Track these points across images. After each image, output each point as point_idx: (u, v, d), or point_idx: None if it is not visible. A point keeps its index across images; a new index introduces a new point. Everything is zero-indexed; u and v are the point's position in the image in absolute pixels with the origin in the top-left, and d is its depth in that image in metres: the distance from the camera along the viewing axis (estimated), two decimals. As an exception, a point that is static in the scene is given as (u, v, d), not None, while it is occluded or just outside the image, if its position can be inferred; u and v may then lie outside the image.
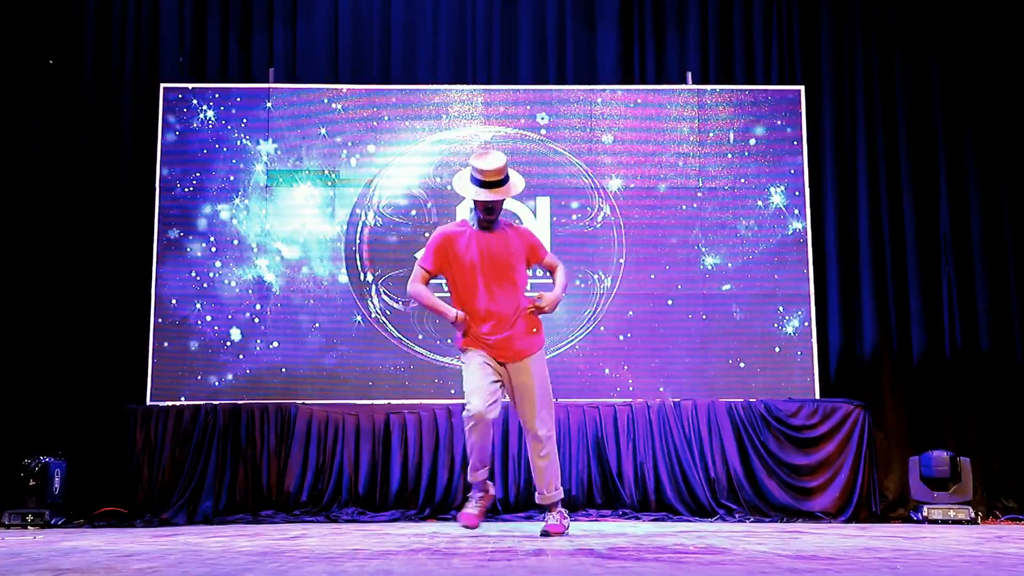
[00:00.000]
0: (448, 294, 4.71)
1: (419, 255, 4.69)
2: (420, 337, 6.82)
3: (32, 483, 6.07)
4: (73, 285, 6.88)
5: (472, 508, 4.59)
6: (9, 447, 6.35)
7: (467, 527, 4.56)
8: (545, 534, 4.48)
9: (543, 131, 7.11)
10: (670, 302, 6.94)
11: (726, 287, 6.96)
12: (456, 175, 4.71)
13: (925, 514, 6.31)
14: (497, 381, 4.52)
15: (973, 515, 6.30)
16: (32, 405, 6.56)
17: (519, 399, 4.57)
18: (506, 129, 7.10)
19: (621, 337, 6.90)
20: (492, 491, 4.73)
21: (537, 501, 4.67)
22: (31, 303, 6.79)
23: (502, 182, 4.50)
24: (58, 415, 6.57)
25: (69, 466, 6.19)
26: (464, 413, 4.46)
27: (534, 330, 4.60)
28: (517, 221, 6.71)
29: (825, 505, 6.42)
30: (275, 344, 6.81)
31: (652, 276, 6.97)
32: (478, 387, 4.43)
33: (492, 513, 6.29)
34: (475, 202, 4.52)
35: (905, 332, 7.18)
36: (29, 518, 5.98)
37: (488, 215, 4.51)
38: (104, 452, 6.44)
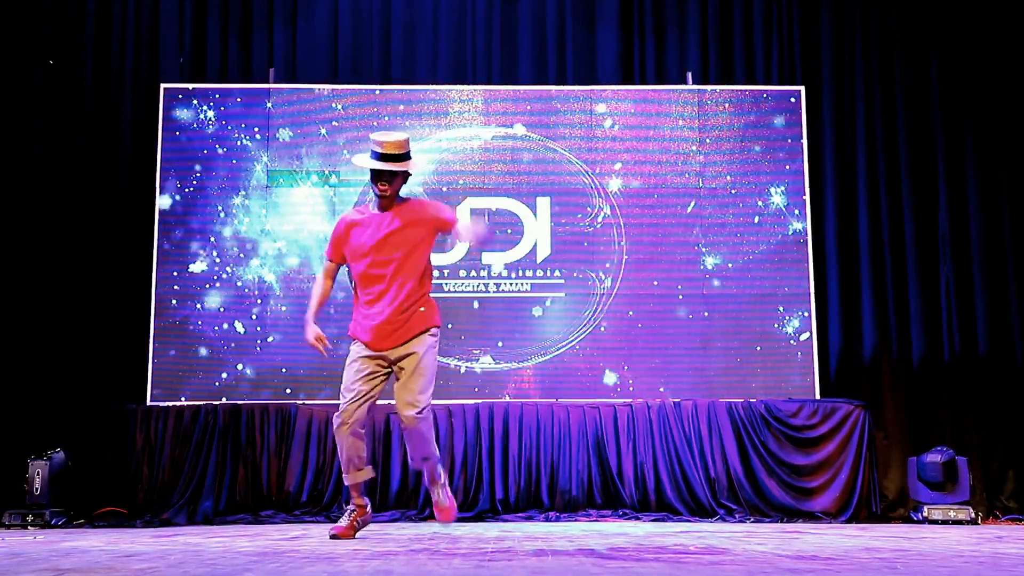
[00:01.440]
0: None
1: None
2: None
3: (23, 483, 6.07)
4: (73, 285, 6.88)
5: (343, 520, 4.30)
6: (9, 447, 6.34)
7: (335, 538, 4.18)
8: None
9: (543, 131, 7.11)
10: (670, 303, 6.93)
11: (726, 287, 6.96)
12: (355, 155, 4.55)
13: (925, 514, 6.31)
14: (372, 378, 4.29)
15: (973, 515, 6.30)
16: (33, 405, 6.56)
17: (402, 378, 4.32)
18: (506, 129, 7.10)
19: (627, 343, 6.90)
20: (368, 508, 4.36)
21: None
22: (32, 303, 6.79)
23: (400, 157, 4.23)
24: (59, 415, 6.56)
25: (51, 466, 6.14)
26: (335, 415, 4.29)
27: (422, 309, 4.33)
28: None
29: (825, 505, 6.42)
30: (275, 344, 6.81)
31: (652, 276, 6.97)
32: (347, 386, 4.28)
33: (492, 513, 6.30)
34: (372, 178, 4.26)
35: (905, 332, 7.18)
36: (29, 518, 5.97)
37: (382, 189, 4.21)
38: (104, 452, 6.44)
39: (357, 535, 4.28)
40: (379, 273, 4.24)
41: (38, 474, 6.10)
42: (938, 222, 7.28)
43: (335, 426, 4.23)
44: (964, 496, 6.35)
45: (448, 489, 4.45)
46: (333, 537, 4.16)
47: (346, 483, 4.30)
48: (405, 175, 4.31)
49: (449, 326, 6.80)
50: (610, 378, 6.84)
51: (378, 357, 4.28)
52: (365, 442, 4.31)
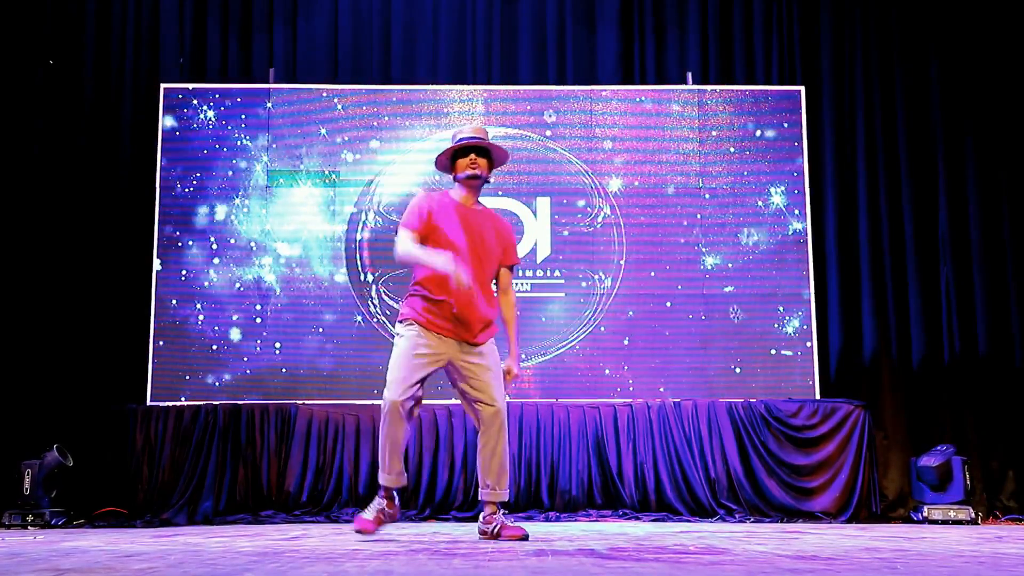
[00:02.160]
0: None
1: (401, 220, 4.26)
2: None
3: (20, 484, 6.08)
4: (73, 285, 6.88)
5: (368, 513, 4.16)
6: (9, 448, 6.34)
7: (360, 532, 4.07)
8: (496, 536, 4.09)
9: (543, 131, 7.11)
10: (670, 303, 6.94)
11: (726, 287, 6.96)
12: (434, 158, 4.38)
13: (925, 514, 6.31)
14: (424, 375, 4.11)
15: (973, 515, 6.30)
16: (33, 405, 6.56)
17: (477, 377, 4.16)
18: (506, 129, 7.10)
19: (626, 341, 6.90)
20: (397, 503, 4.22)
21: (492, 498, 4.17)
22: (32, 303, 6.80)
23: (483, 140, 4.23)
24: (59, 415, 6.56)
25: (42, 466, 6.12)
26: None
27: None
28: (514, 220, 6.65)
29: (825, 505, 6.42)
30: (275, 344, 6.82)
31: (652, 276, 6.98)
32: (401, 377, 4.08)
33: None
34: (457, 163, 4.18)
35: (905, 332, 7.19)
36: (30, 518, 5.98)
37: (474, 170, 4.15)
38: (104, 452, 6.44)
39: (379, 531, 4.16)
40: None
41: (27, 474, 6.09)
42: (938, 222, 7.29)
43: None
44: (959, 496, 6.34)
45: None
46: (359, 532, 4.06)
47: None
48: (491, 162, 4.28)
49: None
50: (610, 378, 6.83)
51: None
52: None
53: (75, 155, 7.05)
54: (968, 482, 6.41)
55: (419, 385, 4.13)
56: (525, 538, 4.03)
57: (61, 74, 7.15)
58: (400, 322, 4.22)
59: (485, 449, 4.16)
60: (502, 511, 4.20)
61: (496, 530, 4.10)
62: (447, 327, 4.13)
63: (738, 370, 6.85)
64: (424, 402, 6.48)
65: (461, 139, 4.23)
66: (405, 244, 4.11)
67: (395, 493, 4.18)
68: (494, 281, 4.36)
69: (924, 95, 7.41)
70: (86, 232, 6.96)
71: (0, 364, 6.61)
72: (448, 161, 4.29)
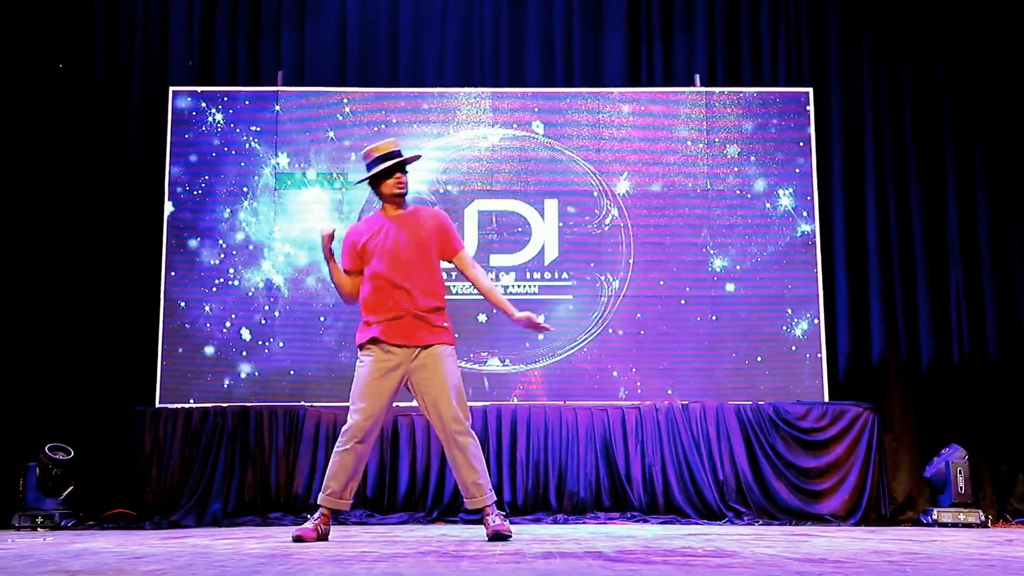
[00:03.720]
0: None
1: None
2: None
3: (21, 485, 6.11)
4: (83, 288, 6.90)
5: (309, 524, 4.23)
6: (19, 450, 6.36)
7: (299, 539, 4.10)
8: (499, 536, 4.17)
9: (551, 133, 7.11)
10: (679, 304, 6.93)
11: (734, 289, 6.95)
12: (353, 183, 4.59)
13: (935, 517, 6.29)
14: (389, 393, 4.24)
15: (983, 518, 6.28)
16: (43, 408, 6.58)
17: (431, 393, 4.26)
18: (513, 132, 7.10)
19: (634, 343, 6.89)
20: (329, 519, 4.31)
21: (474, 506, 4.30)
22: (41, 306, 6.82)
23: (399, 153, 4.37)
24: (68, 417, 6.58)
25: (41, 468, 6.13)
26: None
27: (444, 324, 4.34)
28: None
29: (834, 508, 6.41)
30: (283, 346, 6.83)
31: (660, 278, 6.97)
32: (362, 394, 4.22)
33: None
34: (382, 184, 4.34)
35: (913, 335, 7.17)
36: (39, 520, 5.99)
37: (401, 188, 4.33)
38: (114, 454, 6.46)
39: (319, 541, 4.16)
40: (401, 274, 4.37)
41: (22, 476, 6.12)
42: (947, 224, 7.27)
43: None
44: (965, 500, 6.33)
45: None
46: (297, 539, 4.09)
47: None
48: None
49: (457, 335, 6.81)
50: (618, 380, 6.83)
51: None
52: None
53: (84, 158, 7.08)
54: (961, 485, 6.37)
55: (383, 408, 4.25)
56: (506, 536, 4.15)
57: (70, 78, 7.18)
58: (358, 348, 4.36)
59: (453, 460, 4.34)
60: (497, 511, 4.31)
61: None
62: (394, 333, 4.24)
63: (746, 372, 6.83)
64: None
65: (384, 161, 4.32)
66: (338, 284, 4.46)
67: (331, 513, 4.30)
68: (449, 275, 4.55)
69: (932, 96, 7.39)
70: (95, 235, 6.98)
71: (10, 367, 6.64)
72: (372, 181, 4.39)
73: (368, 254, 4.33)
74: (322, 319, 6.87)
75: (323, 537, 4.20)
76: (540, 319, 4.44)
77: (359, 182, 4.60)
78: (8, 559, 3.34)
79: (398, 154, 4.35)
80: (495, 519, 4.23)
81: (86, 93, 7.19)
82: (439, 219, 4.46)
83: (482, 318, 6.85)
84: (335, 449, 4.24)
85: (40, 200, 6.97)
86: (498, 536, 4.16)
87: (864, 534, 5.18)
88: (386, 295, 4.26)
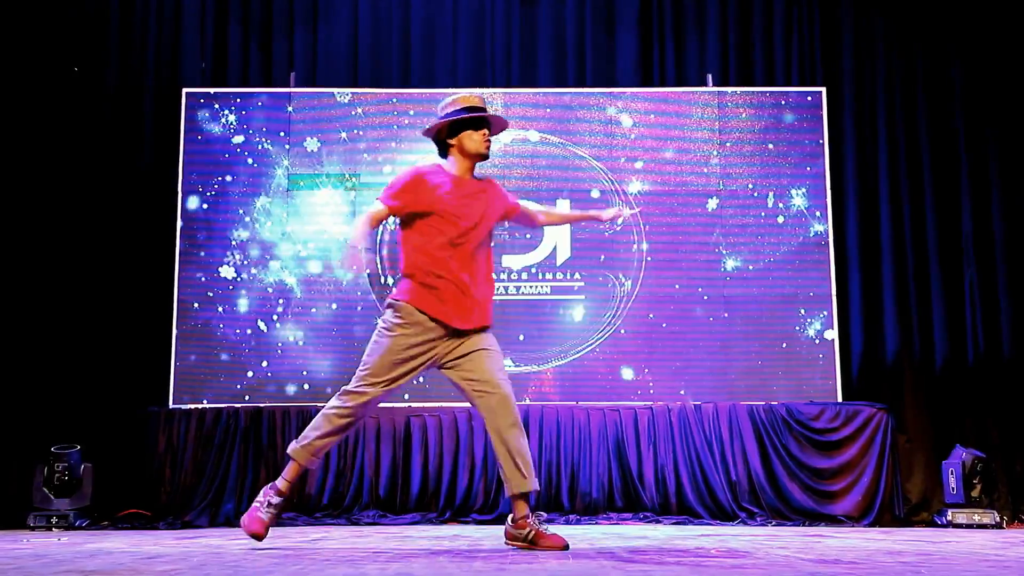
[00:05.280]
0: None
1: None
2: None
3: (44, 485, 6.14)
4: (96, 289, 6.93)
5: (263, 513, 3.80)
6: (34, 450, 6.39)
7: (254, 536, 3.77)
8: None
9: (562, 134, 7.11)
10: (690, 305, 6.91)
11: (747, 290, 6.93)
12: (426, 128, 3.95)
13: (949, 518, 6.26)
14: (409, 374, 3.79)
15: (998, 519, 6.24)
16: (57, 409, 6.61)
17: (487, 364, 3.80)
18: (525, 132, 7.10)
19: (646, 343, 6.88)
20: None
21: (520, 491, 3.77)
22: (55, 307, 6.85)
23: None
24: (83, 418, 6.61)
25: (48, 470, 6.14)
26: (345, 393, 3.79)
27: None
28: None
29: (847, 509, 6.39)
30: (296, 346, 6.84)
31: (672, 279, 6.96)
32: (380, 369, 3.74)
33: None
34: (465, 135, 3.83)
35: (927, 335, 7.13)
36: (54, 520, 6.02)
37: (487, 148, 3.87)
38: (128, 454, 6.49)
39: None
40: (469, 250, 3.86)
41: (33, 476, 6.16)
42: (961, 223, 7.23)
43: None
44: (959, 499, 6.31)
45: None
46: (254, 536, 3.76)
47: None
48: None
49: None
50: (631, 381, 6.82)
51: None
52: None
53: (99, 160, 7.11)
54: (952, 486, 6.35)
55: (398, 383, 3.80)
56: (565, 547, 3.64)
57: (85, 80, 7.21)
58: (389, 307, 3.83)
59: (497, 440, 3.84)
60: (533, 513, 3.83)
61: (531, 536, 3.70)
62: (442, 310, 3.75)
63: (759, 373, 6.82)
64: (444, 405, 6.60)
65: (474, 109, 3.85)
66: (362, 217, 3.79)
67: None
68: (517, 223, 4.21)
69: (946, 95, 7.35)
70: (108, 236, 7.01)
71: (25, 368, 6.67)
72: (448, 129, 3.88)
73: (441, 206, 3.76)
74: (334, 320, 6.88)
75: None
76: (624, 210, 4.35)
77: (440, 121, 3.85)
78: (24, 559, 3.36)
79: (495, 115, 3.92)
80: None
81: (100, 95, 7.22)
82: (498, 185, 4.08)
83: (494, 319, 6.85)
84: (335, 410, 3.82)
85: (54, 202, 7.00)
86: None
87: (878, 535, 5.16)
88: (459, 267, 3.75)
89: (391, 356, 3.75)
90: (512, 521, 3.80)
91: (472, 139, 3.85)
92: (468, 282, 3.78)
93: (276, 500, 3.81)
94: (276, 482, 3.86)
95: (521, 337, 6.84)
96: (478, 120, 3.85)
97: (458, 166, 3.90)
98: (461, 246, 3.78)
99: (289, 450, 3.86)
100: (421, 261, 3.77)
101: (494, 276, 4.06)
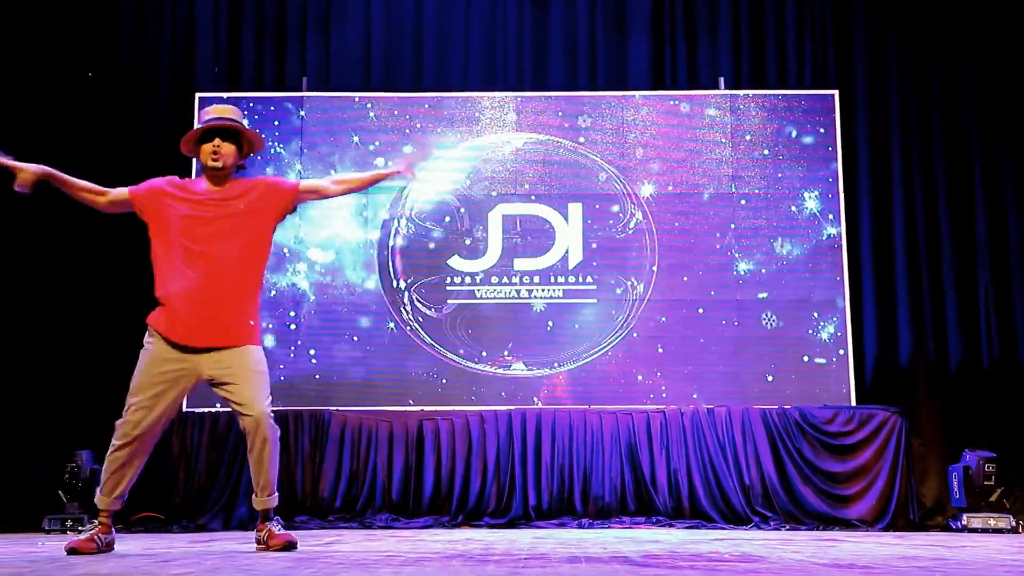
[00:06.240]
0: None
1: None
2: (453, 344, 6.84)
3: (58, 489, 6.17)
4: (109, 292, 6.95)
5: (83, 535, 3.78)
6: (47, 454, 6.42)
7: (73, 551, 3.61)
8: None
9: (575, 137, 7.10)
10: (703, 309, 6.90)
11: (760, 293, 6.91)
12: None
13: (964, 522, 6.22)
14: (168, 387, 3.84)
15: (1014, 524, 6.21)
16: (70, 412, 6.63)
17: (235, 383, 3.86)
18: (537, 135, 7.10)
19: (659, 347, 6.87)
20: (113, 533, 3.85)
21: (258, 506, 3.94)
22: (68, 310, 6.88)
23: (231, 121, 3.97)
24: (95, 422, 6.63)
25: (61, 473, 6.19)
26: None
27: (251, 322, 3.99)
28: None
29: (862, 513, 6.36)
30: (309, 350, 6.85)
31: (685, 282, 6.95)
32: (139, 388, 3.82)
33: (525, 520, 6.29)
34: (200, 149, 3.95)
35: (942, 338, 7.10)
36: (68, 523, 6.05)
37: (215, 161, 3.91)
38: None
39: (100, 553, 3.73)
40: (195, 261, 3.97)
41: (47, 480, 6.21)
42: (975, 226, 7.19)
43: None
44: (996, 505, 6.27)
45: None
46: (71, 551, 3.59)
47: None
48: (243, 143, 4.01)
49: (481, 339, 6.83)
50: (643, 384, 6.81)
51: None
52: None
53: (111, 163, 7.13)
54: (957, 490, 6.33)
55: (164, 406, 3.87)
56: (292, 546, 3.79)
57: (98, 84, 7.24)
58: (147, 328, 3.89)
59: (250, 458, 3.97)
60: (275, 519, 3.98)
61: (265, 537, 3.88)
62: (189, 333, 3.82)
63: (772, 377, 6.80)
64: (456, 409, 6.60)
65: (204, 121, 3.93)
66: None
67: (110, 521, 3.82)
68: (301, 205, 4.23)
69: (960, 97, 7.32)
70: (121, 240, 7.02)
71: (38, 372, 6.70)
72: (194, 146, 3.98)
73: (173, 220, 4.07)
74: (347, 324, 6.89)
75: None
76: (416, 162, 4.26)
77: (183, 140, 4.07)
78: (39, 562, 3.37)
79: (227, 121, 4.01)
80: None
81: (113, 99, 7.25)
82: (268, 182, 4.23)
83: (506, 323, 6.87)
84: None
85: (66, 205, 7.01)
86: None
87: (893, 539, 5.13)
88: None
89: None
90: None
91: (202, 152, 3.97)
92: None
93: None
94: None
95: (533, 341, 6.84)
96: (207, 132, 3.93)
97: (204, 180, 4.02)
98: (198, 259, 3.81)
99: None
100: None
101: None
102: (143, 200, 4.05)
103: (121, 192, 4.11)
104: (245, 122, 4.12)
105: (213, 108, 4.05)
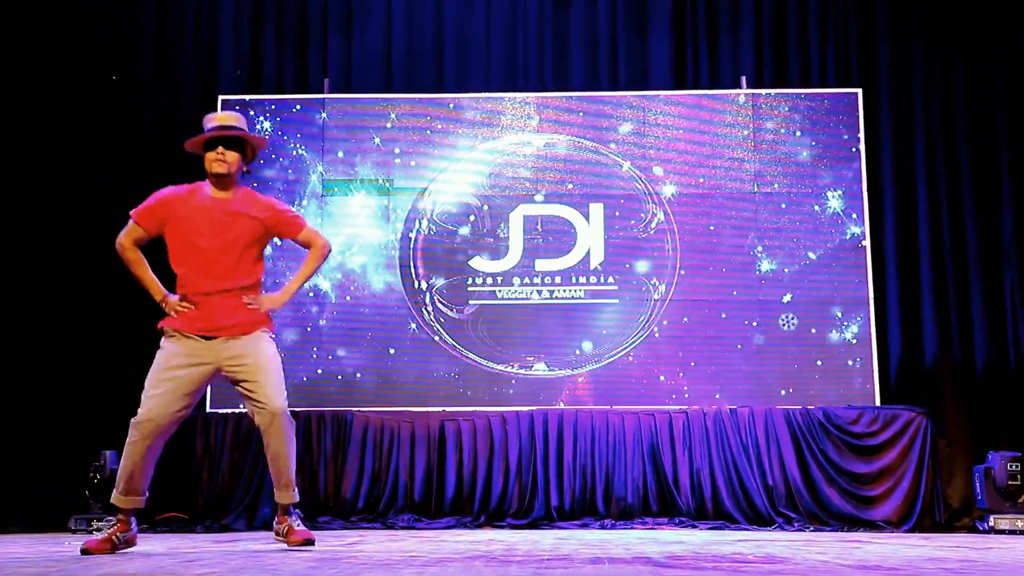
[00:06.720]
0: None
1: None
2: (475, 344, 6.85)
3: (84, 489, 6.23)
4: (131, 294, 6.97)
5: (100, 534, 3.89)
6: (73, 454, 6.47)
7: (86, 551, 3.67)
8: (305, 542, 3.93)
9: (596, 137, 7.09)
10: (725, 311, 6.87)
11: (783, 293, 6.88)
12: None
13: (991, 524, 6.16)
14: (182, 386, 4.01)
15: (1041, 525, 6.14)
16: (95, 413, 6.68)
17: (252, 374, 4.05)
18: (558, 136, 7.10)
19: (681, 347, 6.85)
20: (134, 528, 3.95)
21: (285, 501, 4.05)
22: (90, 311, 6.92)
23: (235, 129, 4.07)
24: (120, 422, 6.67)
25: (86, 473, 6.25)
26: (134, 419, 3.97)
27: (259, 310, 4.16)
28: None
29: (887, 514, 6.31)
30: (331, 351, 6.88)
31: (707, 282, 6.92)
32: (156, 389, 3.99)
33: (547, 521, 6.28)
34: (205, 156, 4.09)
35: (967, 338, 7.03)
36: (94, 523, 6.10)
37: (220, 167, 4.04)
38: (165, 458, 6.51)
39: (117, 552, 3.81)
40: (208, 263, 4.18)
41: (72, 480, 6.27)
42: (1001, 225, 7.12)
43: None
44: (982, 505, 6.24)
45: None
46: (84, 552, 3.66)
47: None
48: (246, 150, 4.12)
49: (503, 340, 6.83)
50: (666, 385, 6.78)
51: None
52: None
53: (135, 166, 7.18)
54: (979, 491, 6.28)
55: (176, 399, 4.05)
56: (310, 542, 3.92)
57: (121, 88, 7.30)
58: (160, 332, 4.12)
59: (267, 452, 4.07)
60: (295, 513, 4.07)
61: (284, 531, 4.01)
62: (201, 326, 4.05)
63: (795, 376, 6.75)
64: (478, 409, 6.60)
65: (207, 129, 4.08)
66: (122, 238, 4.25)
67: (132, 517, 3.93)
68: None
69: (986, 95, 7.25)
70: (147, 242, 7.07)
71: (62, 373, 6.76)
72: (200, 151, 4.14)
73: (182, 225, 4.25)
74: (368, 325, 6.91)
75: None
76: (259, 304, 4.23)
77: (187, 145, 4.21)
78: (65, 561, 3.40)
79: (229, 129, 4.12)
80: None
81: (137, 102, 7.31)
82: (271, 208, 4.29)
83: (528, 323, 6.87)
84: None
85: (90, 206, 7.08)
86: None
87: (918, 541, 5.09)
88: None
89: None
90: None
91: (206, 159, 4.11)
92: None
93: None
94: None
95: (555, 342, 6.83)
96: (210, 141, 4.06)
97: (209, 187, 4.18)
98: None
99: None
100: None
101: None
102: (148, 220, 4.30)
103: (131, 230, 4.32)
104: (245, 124, 4.22)
105: (215, 116, 4.18)
